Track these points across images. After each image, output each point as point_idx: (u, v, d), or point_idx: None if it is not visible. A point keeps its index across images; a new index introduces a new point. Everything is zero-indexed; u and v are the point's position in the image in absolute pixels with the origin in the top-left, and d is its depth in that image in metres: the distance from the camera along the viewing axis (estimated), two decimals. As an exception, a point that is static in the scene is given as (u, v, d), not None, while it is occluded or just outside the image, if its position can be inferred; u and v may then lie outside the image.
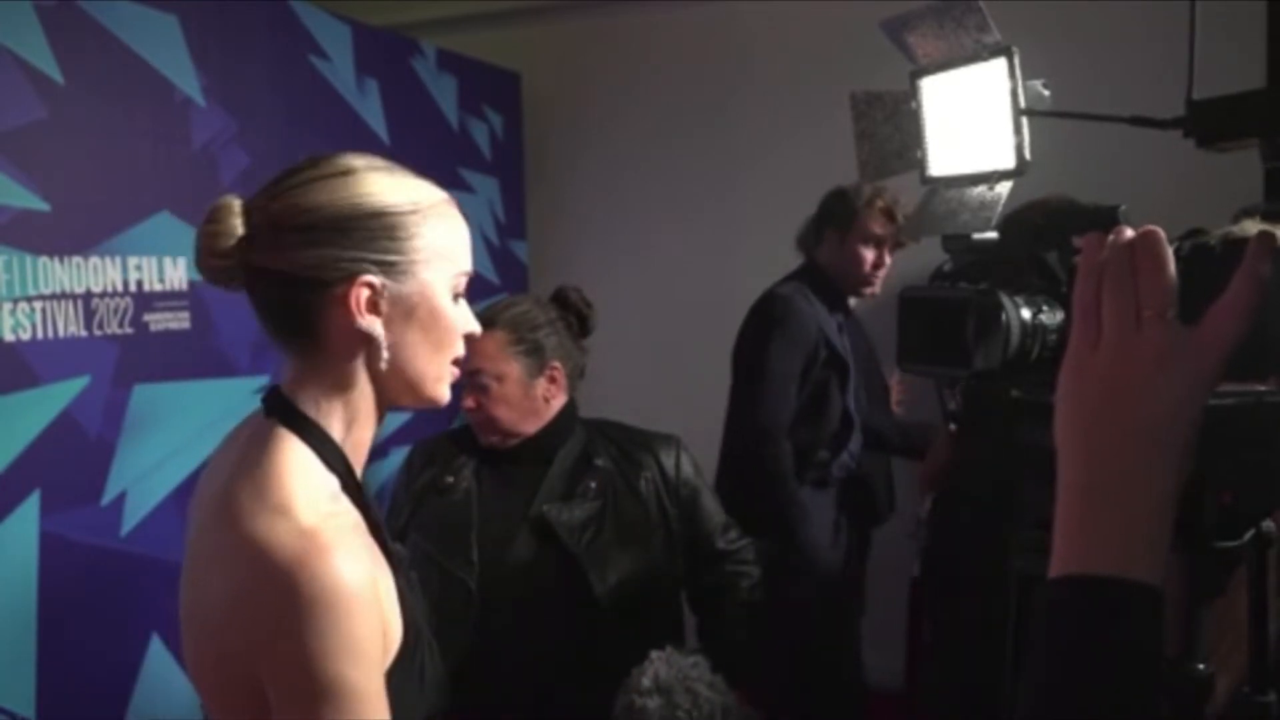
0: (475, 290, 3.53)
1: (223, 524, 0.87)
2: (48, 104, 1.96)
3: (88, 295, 2.04)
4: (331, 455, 0.93)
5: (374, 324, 0.92)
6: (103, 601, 2.05)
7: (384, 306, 0.93)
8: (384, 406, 0.98)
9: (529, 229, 3.87)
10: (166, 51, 2.23)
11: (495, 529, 1.71)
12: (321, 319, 0.92)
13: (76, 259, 2.02)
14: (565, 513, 1.70)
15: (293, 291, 0.92)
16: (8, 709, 1.86)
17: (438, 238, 0.96)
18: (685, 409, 2.77)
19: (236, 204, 0.93)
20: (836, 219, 2.62)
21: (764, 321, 2.53)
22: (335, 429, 0.94)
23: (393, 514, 1.81)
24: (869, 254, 2.58)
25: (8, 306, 1.89)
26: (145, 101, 2.18)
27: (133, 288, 2.13)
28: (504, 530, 1.71)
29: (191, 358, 2.22)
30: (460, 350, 1.00)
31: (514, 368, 1.72)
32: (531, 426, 1.76)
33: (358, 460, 0.97)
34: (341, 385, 0.94)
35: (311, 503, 0.87)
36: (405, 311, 0.94)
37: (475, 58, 3.53)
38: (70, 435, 1.99)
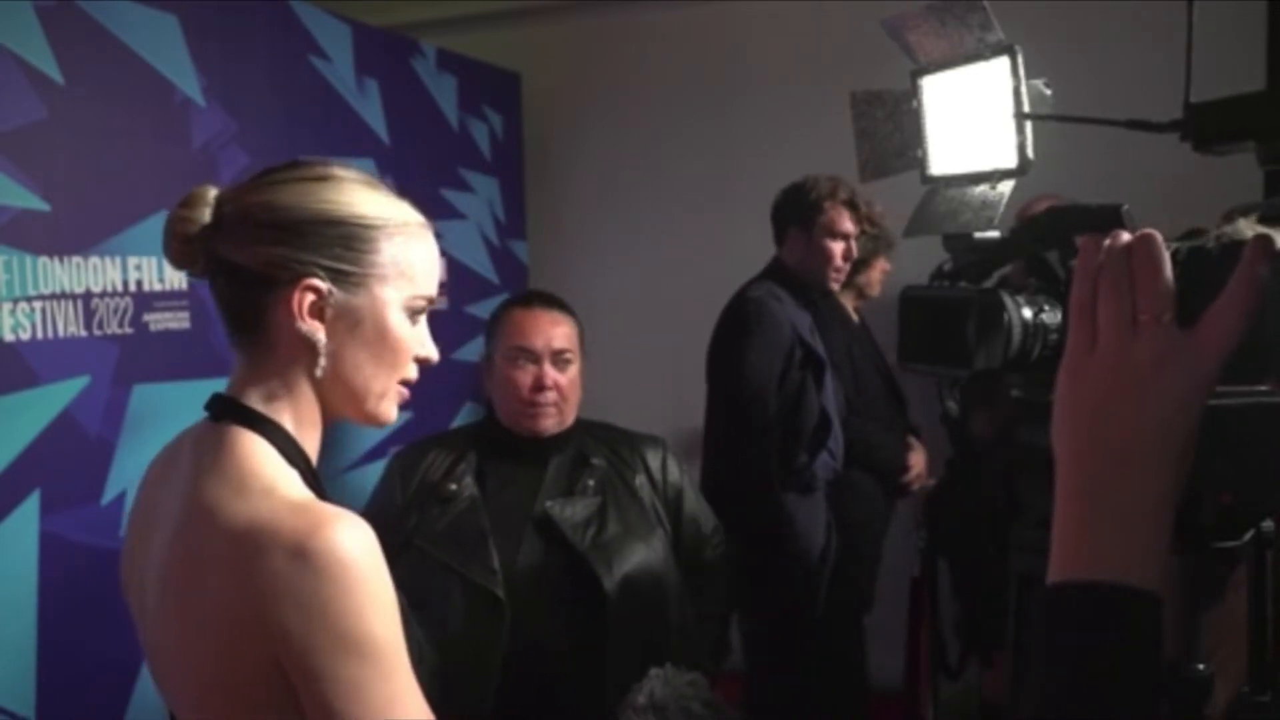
0: (475, 290, 3.53)
1: (204, 527, 0.87)
2: (48, 104, 1.96)
3: (88, 295, 2.04)
4: (290, 449, 0.93)
5: (315, 329, 0.92)
6: (103, 601, 2.05)
7: (329, 314, 0.92)
8: (328, 417, 0.98)
9: (529, 229, 3.87)
10: (166, 51, 2.23)
11: (502, 532, 1.71)
12: (269, 319, 0.93)
13: (76, 259, 2.02)
14: (568, 509, 1.71)
15: (246, 287, 0.93)
16: (8, 709, 1.86)
17: (400, 256, 0.95)
18: (684, 408, 2.77)
19: (211, 193, 0.95)
20: (797, 216, 2.59)
21: (738, 326, 2.51)
22: (288, 427, 0.95)
23: (383, 525, 1.79)
24: (837, 247, 2.56)
25: (8, 306, 1.89)
26: (145, 101, 2.18)
27: (132, 288, 2.13)
28: (511, 533, 1.71)
29: (191, 358, 2.22)
30: (412, 373, 0.99)
31: (579, 356, 1.83)
32: (572, 418, 1.83)
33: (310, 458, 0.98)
34: (285, 388, 0.95)
35: (293, 484, 0.89)
36: (351, 323, 0.93)
37: (475, 58, 3.53)
38: (70, 435, 1.99)
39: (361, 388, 0.96)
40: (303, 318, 0.91)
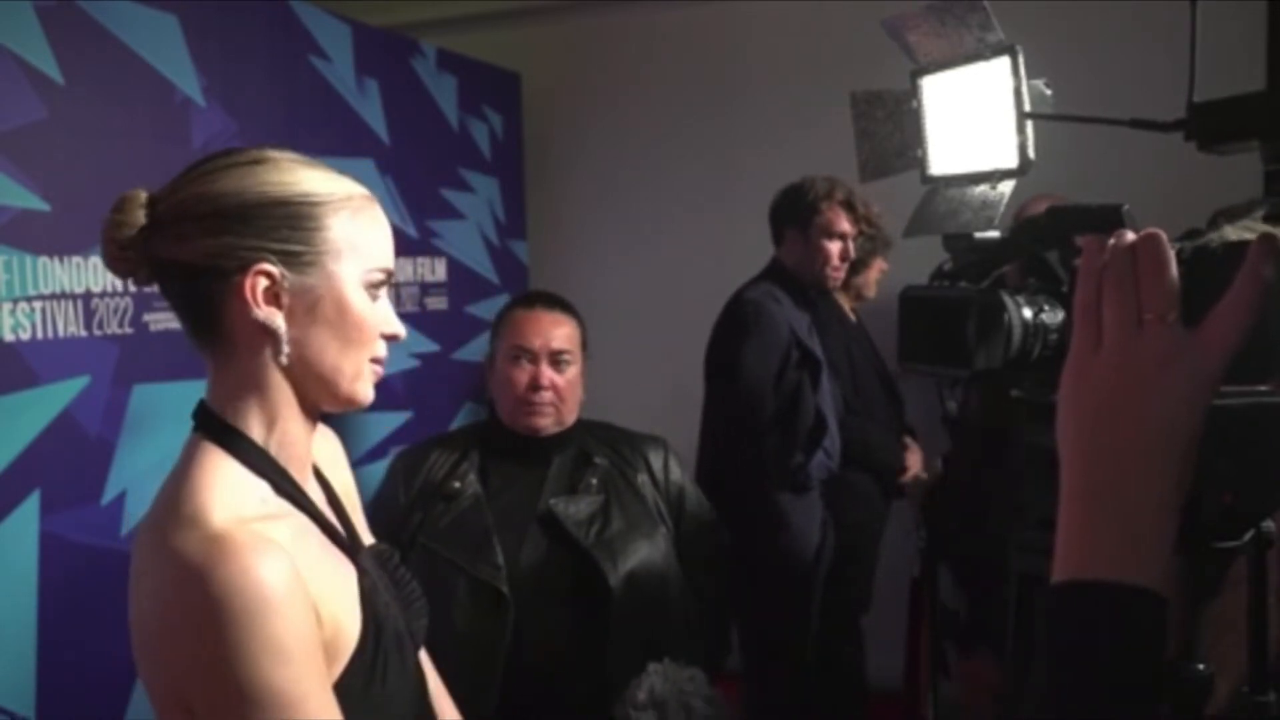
0: (475, 290, 3.53)
1: (146, 540, 0.86)
2: (48, 104, 1.96)
3: (88, 295, 2.04)
4: (256, 459, 0.90)
5: (273, 316, 0.89)
6: (103, 601, 2.05)
7: (285, 298, 0.89)
8: (308, 405, 0.95)
9: (529, 229, 3.87)
10: (166, 51, 2.23)
11: (507, 529, 1.71)
12: (224, 312, 0.90)
13: (76, 259, 2.02)
14: (571, 506, 1.72)
15: (196, 283, 0.90)
16: (8, 709, 1.86)
17: (350, 232, 0.92)
18: (684, 408, 2.77)
19: (142, 195, 0.92)
20: (794, 217, 2.60)
21: (735, 327, 2.52)
22: (255, 431, 0.92)
23: (384, 525, 1.80)
24: (834, 247, 2.57)
25: (8, 306, 1.89)
26: (145, 101, 2.18)
27: (132, 288, 2.13)
28: (515, 530, 1.72)
29: (191, 358, 2.17)
30: (380, 350, 0.96)
31: (579, 357, 1.84)
32: (572, 418, 1.84)
33: (291, 459, 0.94)
34: (252, 383, 0.91)
35: (227, 509, 0.84)
36: (309, 304, 0.90)
37: (475, 58, 3.53)
38: (70, 435, 1.99)
39: (330, 370, 0.92)
40: (258, 304, 0.88)
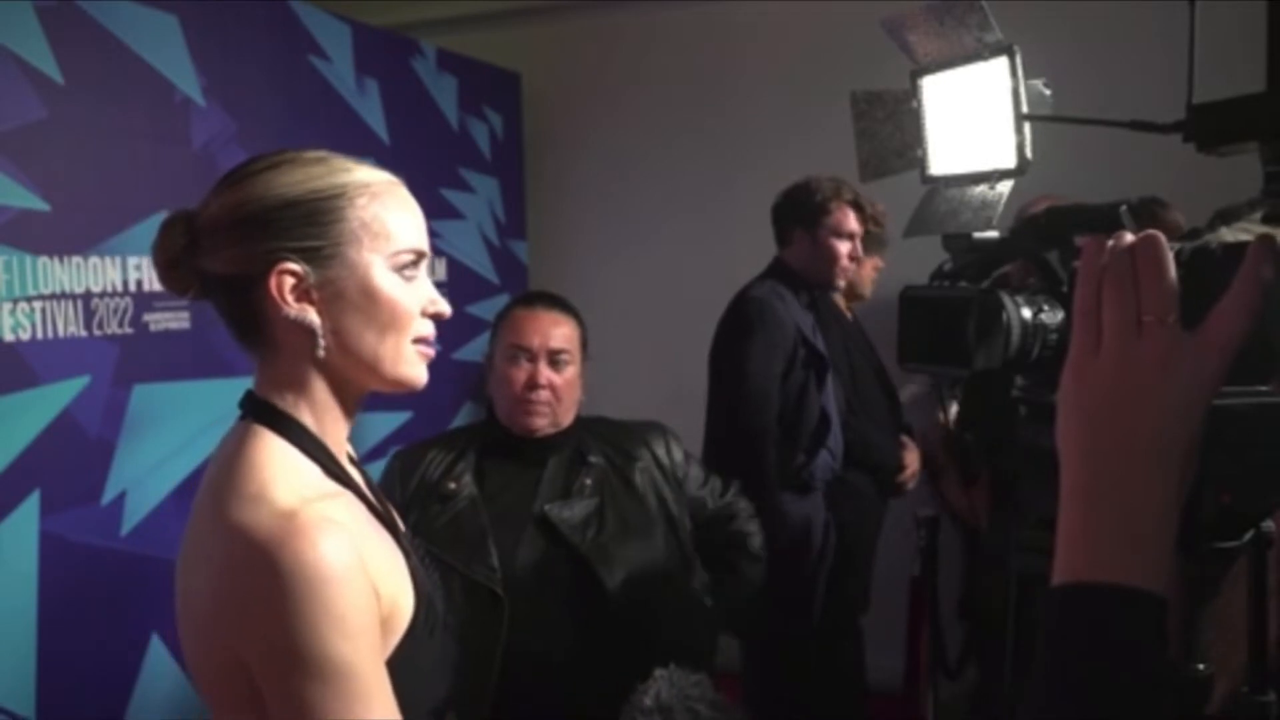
0: (475, 290, 3.52)
1: (205, 519, 0.89)
2: (48, 104, 1.96)
3: (88, 295, 2.04)
4: (310, 445, 0.93)
5: (305, 312, 0.92)
6: (103, 601, 2.05)
7: (314, 293, 0.92)
8: (350, 394, 0.97)
9: (529, 229, 3.87)
10: (166, 51, 2.23)
11: (502, 531, 1.71)
12: (263, 316, 0.93)
13: (76, 259, 2.02)
14: (566, 510, 1.72)
15: (233, 292, 0.93)
16: (8, 709, 1.86)
17: (369, 218, 0.93)
18: (684, 408, 2.76)
19: (184, 214, 0.95)
20: (802, 217, 2.59)
21: (741, 325, 2.51)
22: (307, 421, 0.95)
23: None
24: (843, 247, 2.56)
25: (8, 306, 1.89)
26: (145, 101, 2.18)
27: (133, 288, 2.13)
28: (511, 532, 1.72)
29: (191, 358, 2.22)
30: (424, 329, 0.98)
31: (578, 358, 1.83)
32: (569, 419, 1.83)
33: (336, 449, 0.97)
34: (298, 379, 0.94)
35: (289, 488, 0.87)
36: (336, 294, 0.92)
37: (475, 58, 3.54)
38: (70, 435, 1.99)
39: (370, 355, 0.94)
40: (286, 302, 0.91)
